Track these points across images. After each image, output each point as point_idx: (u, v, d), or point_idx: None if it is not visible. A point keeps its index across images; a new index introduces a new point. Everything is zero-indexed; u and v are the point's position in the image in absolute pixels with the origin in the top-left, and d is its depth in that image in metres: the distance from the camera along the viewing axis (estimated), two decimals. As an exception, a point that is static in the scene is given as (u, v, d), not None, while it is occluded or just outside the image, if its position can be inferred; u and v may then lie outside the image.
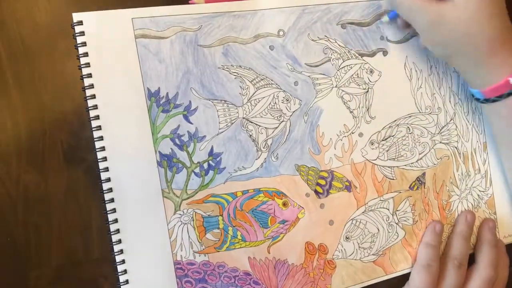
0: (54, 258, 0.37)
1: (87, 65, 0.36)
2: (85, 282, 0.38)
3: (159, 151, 0.38)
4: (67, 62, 0.37)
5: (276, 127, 0.41)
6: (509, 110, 0.39)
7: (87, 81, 0.36)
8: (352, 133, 0.43)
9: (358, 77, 0.43)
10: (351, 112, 0.42)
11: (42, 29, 0.37)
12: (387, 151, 0.43)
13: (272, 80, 0.40)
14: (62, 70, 0.38)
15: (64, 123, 0.38)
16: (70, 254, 0.38)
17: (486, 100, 0.40)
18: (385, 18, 0.43)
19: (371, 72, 0.43)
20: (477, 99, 0.42)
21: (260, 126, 0.40)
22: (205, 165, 0.39)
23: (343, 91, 0.42)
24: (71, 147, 0.38)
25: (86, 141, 0.38)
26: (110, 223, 0.37)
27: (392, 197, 0.44)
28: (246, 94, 0.40)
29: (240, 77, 0.40)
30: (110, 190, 0.37)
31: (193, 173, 0.39)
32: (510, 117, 0.40)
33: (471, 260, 0.44)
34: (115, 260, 0.37)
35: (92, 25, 0.36)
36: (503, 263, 0.44)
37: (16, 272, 0.37)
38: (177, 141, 0.38)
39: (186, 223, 0.38)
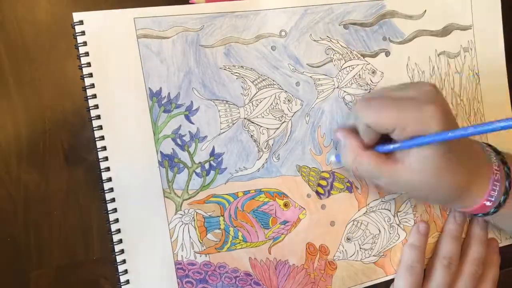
0: (55, 258, 0.37)
1: (88, 65, 0.36)
2: (86, 282, 0.38)
3: (160, 151, 0.38)
4: (67, 62, 0.37)
5: (278, 128, 0.41)
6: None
7: (88, 81, 0.36)
8: (354, 134, 0.42)
9: (360, 78, 0.42)
10: (353, 113, 0.42)
11: (42, 29, 0.37)
12: (388, 152, 0.43)
13: (273, 80, 0.40)
14: (63, 70, 0.37)
15: (64, 123, 0.37)
16: (71, 254, 0.38)
17: (484, 214, 0.38)
18: (332, 158, 0.42)
19: (373, 73, 0.43)
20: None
21: (261, 126, 0.40)
22: (206, 166, 0.39)
23: (345, 92, 0.42)
24: (72, 147, 0.38)
25: (87, 141, 0.37)
26: (111, 223, 0.37)
27: (394, 198, 0.43)
28: (248, 94, 0.40)
29: (242, 77, 0.40)
30: (111, 190, 0.37)
31: (194, 173, 0.39)
32: None
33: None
34: (115, 260, 0.37)
35: (93, 24, 0.36)
36: (491, 262, 0.44)
37: (16, 272, 0.37)
38: (178, 141, 0.38)
39: (187, 224, 0.38)
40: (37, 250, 0.37)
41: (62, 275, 0.38)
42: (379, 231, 0.43)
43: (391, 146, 0.35)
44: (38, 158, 0.37)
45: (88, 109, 0.36)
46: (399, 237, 0.44)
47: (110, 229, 0.37)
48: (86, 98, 0.36)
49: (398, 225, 0.44)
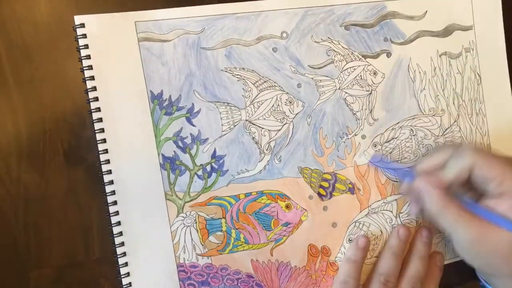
0: (55, 258, 0.38)
1: (89, 67, 0.36)
2: (86, 282, 0.38)
3: (162, 154, 0.38)
4: (67, 62, 0.37)
5: (279, 130, 0.41)
6: None
7: (89, 84, 0.36)
8: (355, 135, 0.42)
9: (361, 79, 0.42)
10: (354, 114, 0.42)
11: (42, 29, 0.37)
12: (390, 153, 0.43)
13: (275, 82, 0.40)
14: (63, 70, 0.37)
15: (64, 123, 0.38)
16: (71, 254, 0.38)
17: None
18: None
19: (374, 73, 0.43)
20: None
21: (263, 128, 0.40)
22: (208, 168, 0.39)
23: (346, 93, 0.42)
24: (72, 147, 0.38)
25: (87, 141, 0.38)
26: (113, 225, 0.37)
27: (396, 199, 0.43)
28: (249, 96, 0.40)
29: (243, 79, 0.40)
30: (113, 192, 0.37)
31: (196, 176, 0.39)
32: None
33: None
34: (115, 260, 0.37)
35: (94, 27, 0.36)
36: (432, 276, 0.41)
37: (16, 273, 0.37)
38: (180, 143, 0.38)
39: (189, 226, 0.38)
40: (37, 250, 0.37)
41: (62, 275, 0.38)
42: (381, 232, 0.43)
43: (495, 217, 0.34)
44: (38, 158, 0.37)
45: (90, 112, 0.36)
46: (401, 238, 0.44)
47: (112, 231, 0.37)
48: (88, 101, 0.36)
49: (400, 226, 0.44)
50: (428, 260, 0.41)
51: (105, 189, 0.37)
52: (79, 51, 0.36)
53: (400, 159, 0.44)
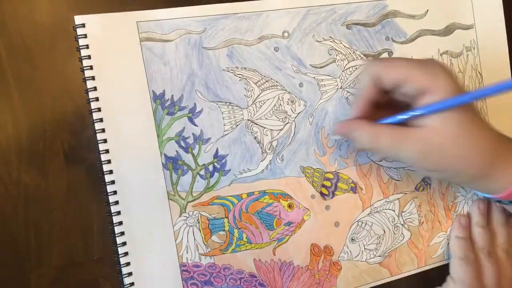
0: (55, 258, 0.37)
1: (90, 68, 0.36)
2: (86, 282, 0.38)
3: (164, 154, 0.38)
4: (68, 62, 0.37)
5: (281, 129, 0.41)
6: None
7: (90, 84, 0.36)
8: (357, 134, 0.42)
9: (363, 78, 0.42)
10: (356, 113, 0.42)
11: (43, 28, 0.37)
12: (392, 152, 0.43)
13: (277, 81, 0.40)
14: (63, 69, 0.37)
15: (64, 123, 0.37)
16: (71, 254, 0.38)
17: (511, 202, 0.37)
18: (337, 136, 0.41)
19: (376, 73, 0.43)
20: (497, 201, 0.40)
21: (265, 128, 0.40)
22: (210, 167, 0.39)
23: (348, 92, 0.42)
24: (72, 146, 0.38)
25: (87, 140, 0.37)
26: (114, 225, 0.37)
27: (398, 199, 0.43)
28: (251, 96, 0.40)
29: (245, 79, 0.40)
30: (115, 192, 0.37)
31: (198, 176, 0.39)
32: None
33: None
34: (116, 260, 0.37)
35: (95, 27, 0.36)
36: None
37: (16, 273, 0.37)
38: (182, 143, 0.38)
39: (191, 226, 0.38)
40: (37, 250, 0.37)
41: (62, 275, 0.38)
42: (384, 231, 0.43)
43: (409, 113, 0.33)
44: (38, 158, 0.37)
45: (90, 112, 0.36)
46: (403, 237, 0.44)
47: (113, 231, 0.37)
48: (88, 101, 0.36)
49: (402, 225, 0.44)
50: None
51: (106, 189, 0.37)
52: (79, 51, 0.36)
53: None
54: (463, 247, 0.43)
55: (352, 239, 0.42)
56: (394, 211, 0.43)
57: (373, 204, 0.43)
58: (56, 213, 0.37)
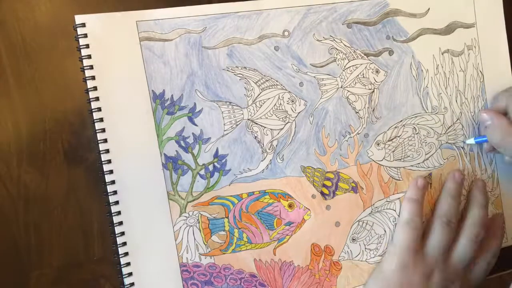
0: (55, 258, 0.37)
1: (90, 67, 0.36)
2: (86, 282, 0.38)
3: (164, 154, 0.38)
4: (68, 62, 0.37)
5: (282, 128, 0.40)
6: None
7: (90, 83, 0.36)
8: (358, 133, 0.42)
9: (363, 77, 0.42)
10: (356, 112, 0.42)
11: (43, 28, 0.37)
12: (393, 151, 0.43)
13: (277, 81, 0.40)
14: (63, 69, 0.37)
15: (65, 123, 0.37)
16: (71, 254, 0.38)
17: None
18: (471, 141, 0.44)
19: (377, 72, 0.43)
20: None
21: (265, 127, 0.40)
22: (210, 167, 0.39)
23: (348, 91, 0.42)
24: (72, 146, 0.38)
25: (87, 140, 0.37)
26: (115, 225, 0.37)
27: (399, 198, 0.43)
28: (251, 95, 0.40)
29: (245, 78, 0.39)
30: (115, 192, 0.37)
31: (198, 175, 0.39)
32: None
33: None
34: (116, 261, 0.37)
35: (95, 27, 0.36)
36: (494, 234, 0.43)
37: (16, 273, 0.37)
38: (182, 143, 0.38)
39: (191, 226, 0.38)
40: (37, 250, 0.37)
41: (62, 275, 0.38)
42: (385, 231, 0.43)
43: None
44: (38, 157, 0.37)
45: (91, 111, 0.36)
46: (404, 237, 0.43)
47: (114, 231, 0.37)
48: (89, 101, 0.36)
49: (403, 225, 0.43)
50: (489, 221, 0.43)
51: (106, 189, 0.36)
52: (80, 51, 0.36)
53: (403, 157, 0.43)
54: (411, 211, 0.41)
55: (353, 239, 0.42)
56: (394, 210, 0.43)
57: (374, 204, 0.43)
58: (56, 213, 0.37)
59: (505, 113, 0.42)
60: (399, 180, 0.43)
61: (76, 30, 0.36)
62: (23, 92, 0.37)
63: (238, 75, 0.39)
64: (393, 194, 0.43)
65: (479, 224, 0.41)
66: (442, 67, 0.45)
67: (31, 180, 0.37)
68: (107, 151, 0.36)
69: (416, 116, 0.44)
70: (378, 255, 0.43)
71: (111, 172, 0.36)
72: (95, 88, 0.36)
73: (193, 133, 0.38)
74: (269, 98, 0.40)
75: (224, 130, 0.39)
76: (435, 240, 0.40)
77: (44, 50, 0.37)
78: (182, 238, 0.38)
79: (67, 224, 0.38)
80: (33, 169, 0.37)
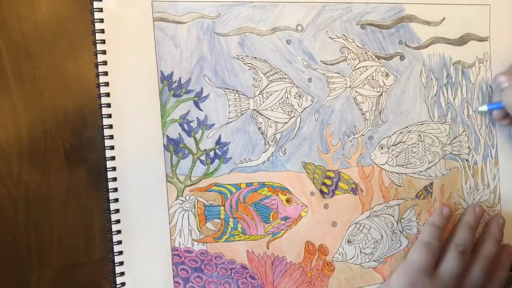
0: (55, 258, 0.37)
1: (103, 41, 0.36)
2: (86, 282, 0.38)
3: (166, 135, 0.38)
4: (68, 62, 0.37)
5: (286, 122, 0.40)
6: None
7: (100, 58, 0.36)
8: (362, 135, 0.42)
9: (373, 79, 0.42)
10: (363, 114, 0.42)
11: (43, 27, 0.37)
12: (396, 157, 0.43)
13: (286, 74, 0.40)
14: (64, 69, 0.37)
15: (65, 123, 0.37)
16: (71, 254, 0.37)
17: None
18: (484, 107, 0.45)
19: (386, 75, 0.42)
20: None
21: (270, 119, 0.40)
22: (211, 154, 0.39)
23: (356, 92, 0.42)
24: (73, 146, 0.37)
25: (88, 140, 0.37)
26: (111, 201, 0.36)
27: (398, 204, 0.43)
28: (259, 86, 0.39)
29: (254, 68, 0.39)
30: (114, 169, 0.36)
31: (198, 160, 0.38)
32: None
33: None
34: (112, 248, 0.36)
35: (111, 2, 0.36)
36: (502, 264, 0.44)
37: (17, 273, 0.36)
38: (185, 126, 0.38)
39: (187, 210, 0.38)
40: (38, 251, 0.37)
41: (62, 275, 0.37)
42: (382, 236, 0.42)
43: None
44: (39, 157, 0.37)
45: (98, 86, 0.36)
46: (400, 245, 0.43)
47: (110, 208, 0.36)
48: (97, 74, 0.36)
49: (401, 232, 0.43)
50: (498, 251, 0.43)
51: (106, 175, 0.36)
52: (94, 24, 0.36)
53: (405, 164, 0.43)
54: (431, 234, 0.41)
55: (349, 241, 0.41)
56: (393, 216, 0.43)
57: (372, 208, 0.42)
58: (56, 213, 0.37)
59: None
60: (400, 186, 0.43)
61: (92, 4, 0.36)
62: (24, 92, 0.36)
63: (248, 64, 0.39)
64: (393, 199, 0.43)
65: (492, 257, 0.42)
66: (452, 77, 0.44)
67: (32, 180, 0.37)
68: (111, 126, 0.36)
69: (422, 124, 0.43)
70: (373, 260, 0.42)
71: (112, 148, 0.36)
72: (105, 63, 0.36)
73: (197, 118, 0.38)
74: (276, 91, 0.40)
75: (229, 118, 0.39)
76: (449, 266, 0.40)
77: (45, 49, 0.37)
78: (176, 222, 0.38)
79: (68, 224, 0.37)
80: (33, 169, 0.37)
